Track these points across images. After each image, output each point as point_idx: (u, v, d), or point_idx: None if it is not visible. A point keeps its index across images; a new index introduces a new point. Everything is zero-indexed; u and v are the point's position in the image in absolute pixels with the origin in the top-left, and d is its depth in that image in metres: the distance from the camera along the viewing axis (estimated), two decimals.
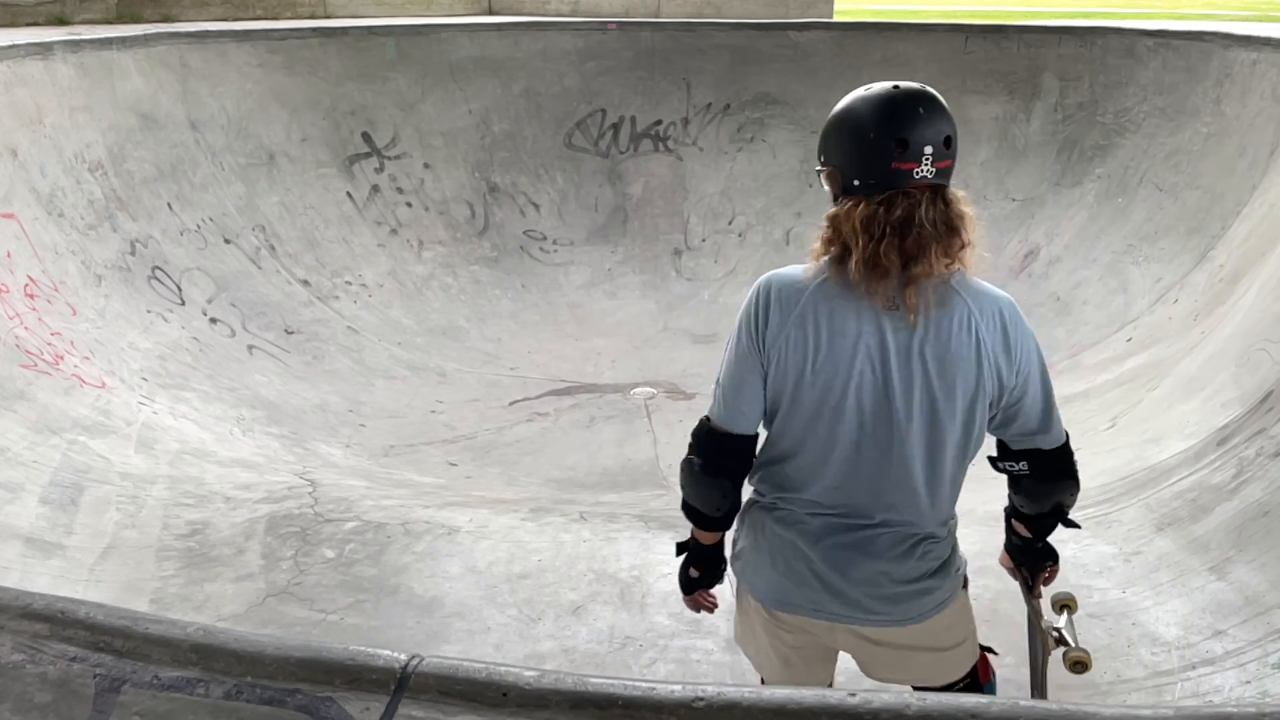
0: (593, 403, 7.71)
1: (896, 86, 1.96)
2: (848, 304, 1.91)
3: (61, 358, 5.59)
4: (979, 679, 2.29)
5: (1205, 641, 3.53)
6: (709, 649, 3.68)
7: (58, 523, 4.29)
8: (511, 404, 7.65)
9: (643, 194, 10.71)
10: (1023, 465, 2.19)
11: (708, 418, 2.12)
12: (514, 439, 6.98)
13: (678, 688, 1.31)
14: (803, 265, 2.08)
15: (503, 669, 1.37)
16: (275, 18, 12.26)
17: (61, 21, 10.67)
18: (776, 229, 10.25)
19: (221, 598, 3.95)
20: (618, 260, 10.29)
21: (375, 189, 9.78)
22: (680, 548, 2.32)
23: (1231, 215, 7.43)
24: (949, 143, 1.92)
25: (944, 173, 1.91)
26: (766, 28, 11.08)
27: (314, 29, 10.24)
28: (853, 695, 1.24)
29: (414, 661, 1.39)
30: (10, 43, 7.22)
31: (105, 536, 4.32)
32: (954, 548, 2.13)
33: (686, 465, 2.16)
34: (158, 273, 7.34)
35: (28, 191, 6.52)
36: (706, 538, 2.26)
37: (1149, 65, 8.99)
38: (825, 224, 2.04)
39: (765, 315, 2.02)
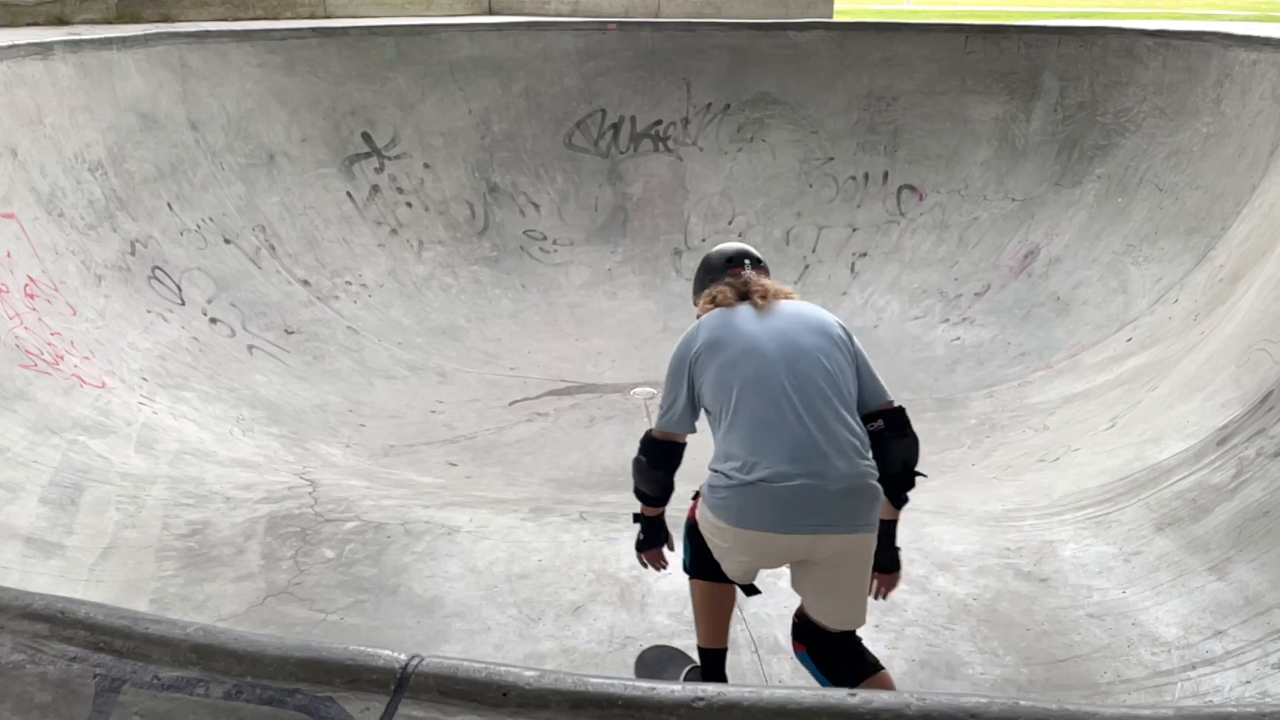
0: (593, 403, 7.71)
1: (728, 248, 3.15)
2: (730, 316, 2.87)
3: (61, 358, 5.59)
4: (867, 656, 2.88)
5: (1205, 641, 3.53)
6: None
7: (58, 523, 4.29)
8: (511, 404, 7.65)
9: (643, 194, 10.71)
10: (880, 422, 2.81)
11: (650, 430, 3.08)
12: (514, 439, 6.98)
13: (678, 688, 1.31)
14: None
15: (503, 669, 1.37)
16: (275, 18, 12.26)
17: (61, 21, 10.67)
18: (776, 229, 10.25)
19: (221, 598, 3.95)
20: (618, 260, 10.29)
21: (375, 189, 9.78)
22: (635, 517, 3.21)
23: (1231, 215, 7.43)
24: (757, 260, 3.08)
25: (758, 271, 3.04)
26: (766, 28, 11.08)
27: (314, 29, 10.24)
28: (852, 695, 1.24)
29: (414, 661, 1.39)
30: (10, 43, 7.22)
31: (105, 536, 4.32)
32: (877, 490, 2.69)
33: (636, 463, 3.14)
34: (158, 273, 7.34)
35: (28, 191, 6.52)
36: (651, 512, 3.19)
37: (1149, 65, 8.99)
38: (704, 302, 3.01)
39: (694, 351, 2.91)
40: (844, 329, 2.84)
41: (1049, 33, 9.97)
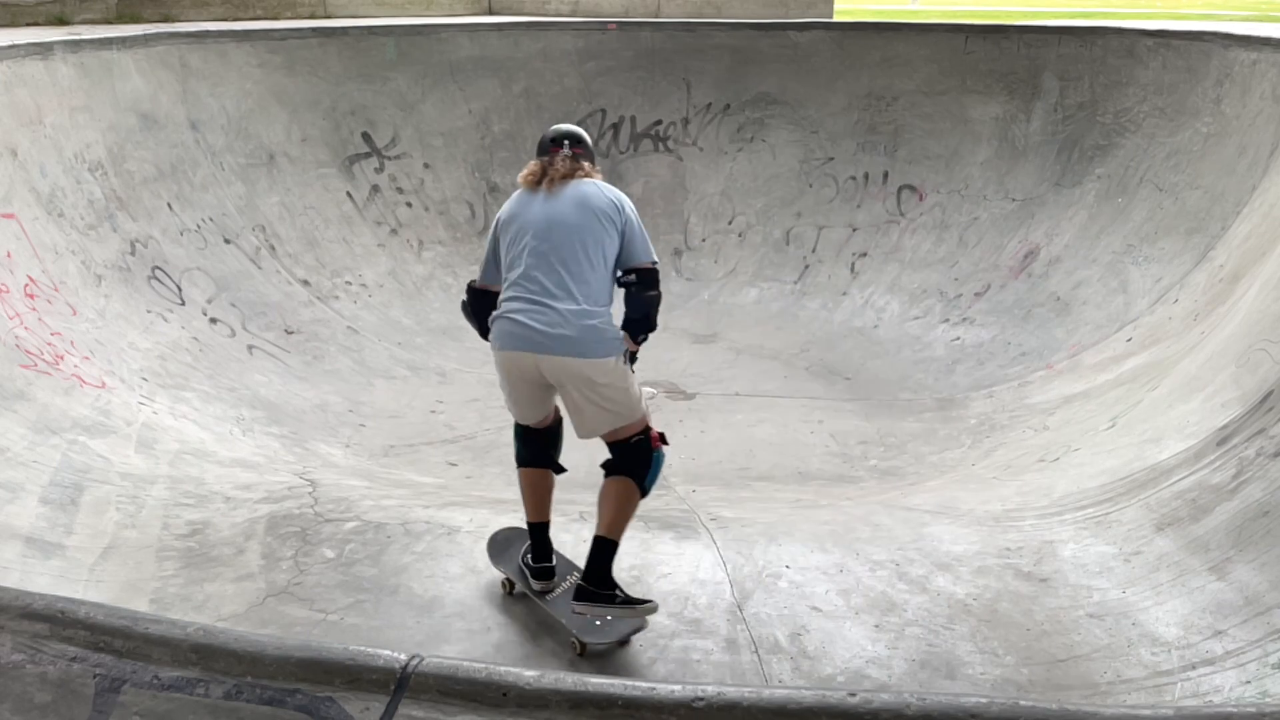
0: None
1: (558, 127, 3.88)
2: (529, 196, 3.69)
3: (61, 358, 5.59)
4: (648, 443, 3.67)
5: (1205, 641, 3.53)
6: (709, 649, 3.68)
7: (58, 523, 4.29)
8: None
9: (643, 194, 10.70)
10: (633, 277, 3.63)
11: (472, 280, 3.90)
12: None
13: (678, 688, 1.31)
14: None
15: (503, 669, 1.37)
16: (275, 18, 12.27)
17: (61, 21, 10.67)
18: (776, 229, 10.25)
19: (221, 598, 3.95)
20: None
21: (375, 189, 9.78)
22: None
23: (1231, 215, 7.43)
24: (577, 140, 3.80)
25: (578, 156, 3.74)
26: (766, 28, 11.08)
27: (314, 29, 10.24)
28: (853, 695, 1.24)
29: (414, 661, 1.39)
30: (10, 43, 7.22)
31: (105, 536, 4.32)
32: (607, 326, 3.50)
33: (463, 305, 3.93)
34: (158, 273, 7.34)
35: (28, 191, 6.52)
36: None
37: (1149, 65, 8.99)
38: (522, 174, 3.75)
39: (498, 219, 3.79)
40: (616, 205, 3.65)
41: (1049, 33, 9.97)
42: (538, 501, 3.89)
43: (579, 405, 3.59)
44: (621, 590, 3.59)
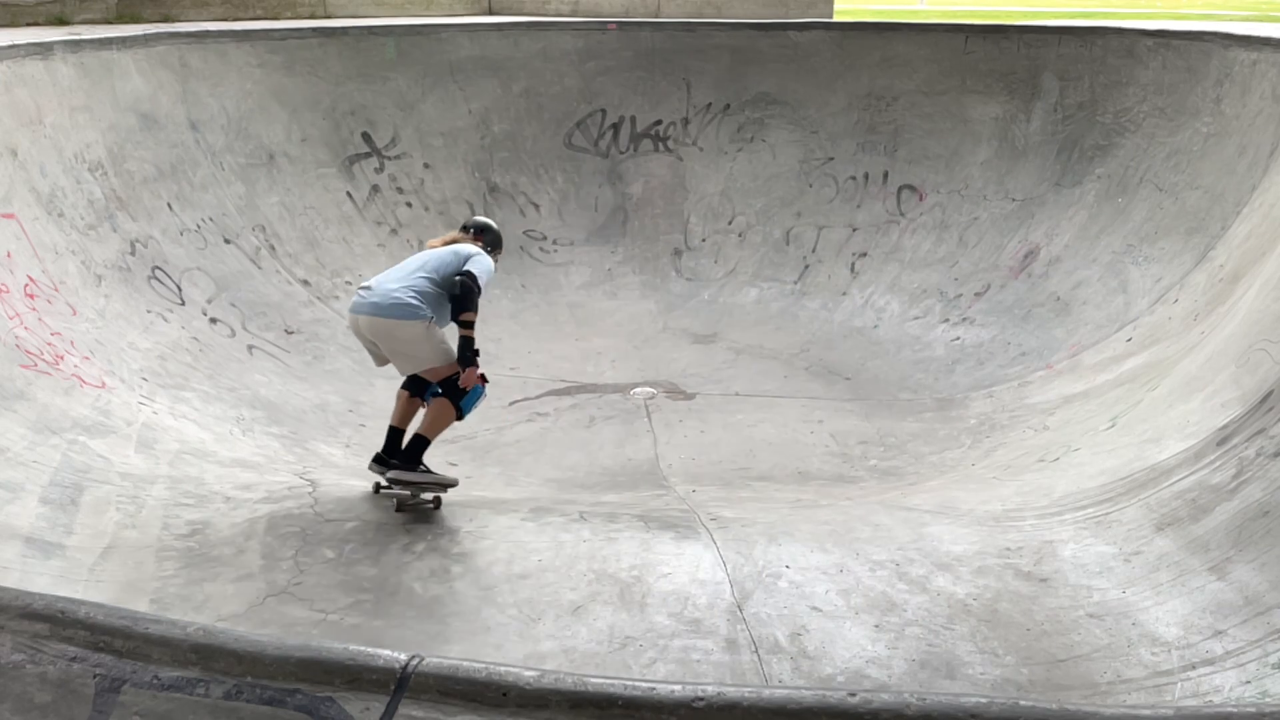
0: (593, 403, 7.71)
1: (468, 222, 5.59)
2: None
3: (61, 358, 5.59)
4: (457, 387, 4.94)
5: (1205, 641, 3.53)
6: (709, 649, 3.68)
7: (58, 523, 4.29)
8: (511, 404, 7.65)
9: (643, 194, 10.71)
10: (458, 279, 4.88)
11: None
12: (514, 439, 6.99)
13: (678, 688, 1.31)
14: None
15: (503, 669, 1.37)
16: (275, 18, 12.27)
17: (61, 21, 10.67)
18: (776, 229, 10.25)
19: (221, 598, 3.95)
20: (618, 260, 10.29)
21: (375, 189, 9.78)
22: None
23: (1231, 215, 7.43)
24: (472, 230, 5.43)
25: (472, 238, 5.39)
26: (766, 28, 11.09)
27: (314, 29, 10.24)
28: (852, 695, 1.24)
29: (414, 661, 1.39)
30: (10, 43, 7.22)
31: (105, 536, 4.32)
32: (417, 308, 4.84)
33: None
34: (158, 273, 7.34)
35: (28, 191, 6.52)
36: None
37: (1149, 65, 8.99)
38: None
39: None
40: (463, 258, 5.00)
41: (1049, 33, 9.97)
42: (399, 412, 5.19)
43: (393, 352, 5.00)
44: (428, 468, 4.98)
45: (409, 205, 9.89)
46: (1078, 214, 8.91)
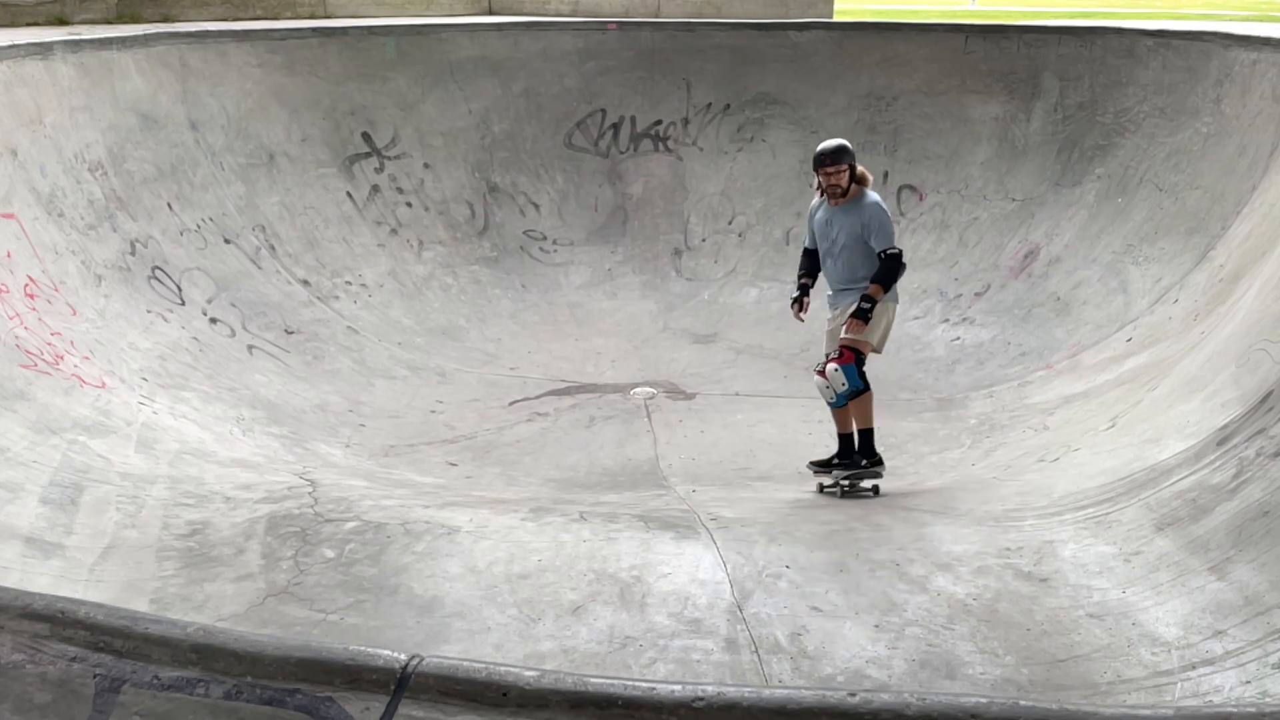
0: (593, 403, 7.71)
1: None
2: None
3: (61, 358, 5.59)
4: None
5: (1205, 641, 3.53)
6: (709, 649, 3.68)
7: (58, 523, 4.29)
8: (511, 404, 7.65)
9: (643, 194, 10.70)
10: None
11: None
12: (514, 439, 6.99)
13: (678, 688, 1.31)
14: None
15: (503, 669, 1.37)
16: (275, 18, 12.27)
17: (61, 21, 10.68)
18: (776, 229, 10.25)
19: (221, 598, 3.95)
20: (618, 260, 10.29)
21: (375, 189, 9.78)
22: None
23: (1231, 215, 7.43)
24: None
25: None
26: (766, 28, 11.09)
27: (314, 29, 10.24)
28: (852, 695, 1.24)
29: (414, 661, 1.39)
30: (10, 43, 7.22)
31: (105, 536, 4.32)
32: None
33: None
34: (158, 273, 7.34)
35: (28, 191, 6.52)
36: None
37: (1149, 65, 8.99)
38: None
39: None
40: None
41: (1049, 33, 9.97)
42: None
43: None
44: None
45: (409, 205, 9.89)
46: (1078, 214, 8.90)
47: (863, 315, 5.41)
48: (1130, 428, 5.50)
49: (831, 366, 5.47)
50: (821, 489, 5.73)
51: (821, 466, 5.81)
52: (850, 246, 5.51)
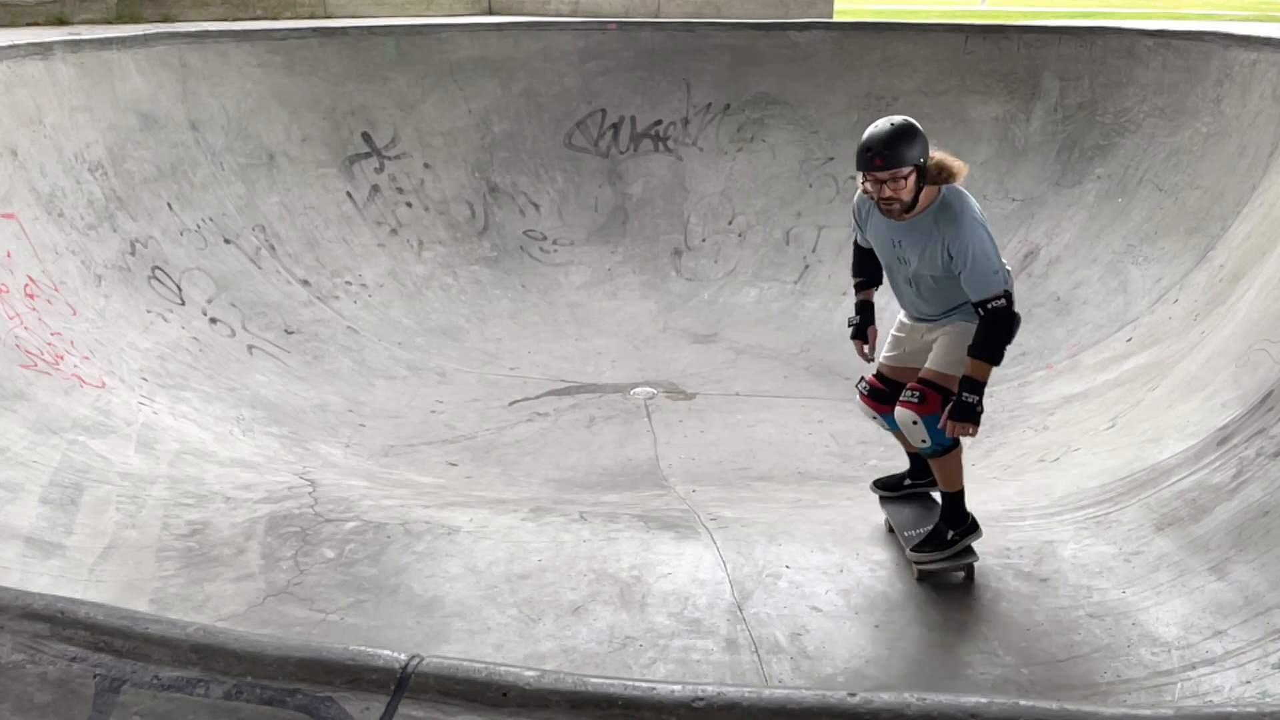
0: (593, 403, 7.71)
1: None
2: None
3: (61, 358, 5.59)
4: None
5: (1205, 641, 3.53)
6: (709, 649, 3.68)
7: (58, 523, 4.29)
8: (511, 404, 7.65)
9: (643, 194, 10.70)
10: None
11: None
12: (514, 439, 6.98)
13: (678, 688, 1.31)
14: None
15: (503, 669, 1.37)
16: (275, 18, 12.27)
17: (61, 21, 10.68)
18: (776, 229, 10.25)
19: (221, 598, 3.95)
20: (618, 260, 10.29)
21: (375, 189, 9.78)
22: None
23: (1231, 215, 7.42)
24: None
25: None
26: (766, 28, 11.08)
27: (314, 29, 10.24)
28: (852, 695, 1.24)
29: (414, 661, 1.39)
30: (10, 43, 7.22)
31: (105, 536, 4.32)
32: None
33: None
34: (158, 273, 7.34)
35: (28, 191, 6.52)
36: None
37: (1149, 65, 8.99)
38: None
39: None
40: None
41: (1049, 33, 9.97)
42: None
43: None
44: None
45: (409, 205, 9.89)
46: (1078, 214, 8.90)
47: (970, 416, 3.75)
48: (1130, 428, 5.50)
49: (909, 417, 3.90)
50: (884, 499, 4.62)
51: (890, 488, 4.60)
52: (934, 277, 3.84)
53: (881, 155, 3.59)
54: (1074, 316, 8.07)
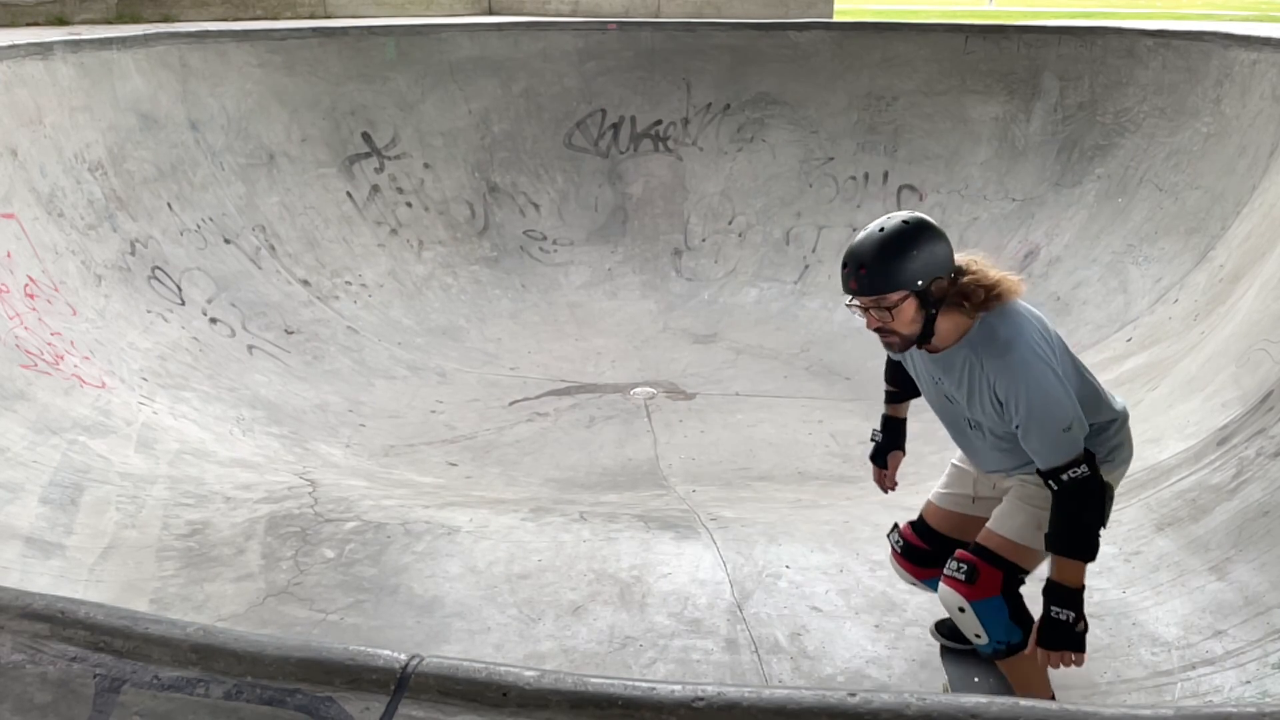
0: (593, 403, 7.71)
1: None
2: None
3: (61, 358, 5.59)
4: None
5: (1205, 641, 3.53)
6: (709, 649, 3.68)
7: (58, 523, 4.29)
8: (511, 404, 7.65)
9: (643, 194, 10.71)
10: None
11: None
12: (514, 439, 6.98)
13: (678, 688, 1.31)
14: None
15: (503, 669, 1.37)
16: (275, 18, 12.27)
17: (61, 21, 10.68)
18: (776, 229, 10.25)
19: (221, 598, 3.95)
20: (618, 260, 10.29)
21: (375, 189, 9.78)
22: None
23: (1231, 215, 7.42)
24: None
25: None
26: (766, 28, 11.08)
27: (314, 29, 10.24)
28: (852, 695, 1.24)
29: (414, 661, 1.39)
30: (10, 43, 7.22)
31: (105, 536, 4.32)
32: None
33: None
34: (158, 273, 7.34)
35: (28, 191, 6.52)
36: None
37: (1149, 65, 8.99)
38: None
39: None
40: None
41: (1049, 33, 9.97)
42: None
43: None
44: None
45: (409, 205, 9.89)
46: (1078, 214, 8.90)
47: (1068, 640, 2.61)
48: (1130, 427, 5.49)
49: (955, 601, 2.82)
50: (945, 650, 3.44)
51: (954, 637, 3.37)
52: (989, 427, 2.81)
53: (857, 277, 2.58)
54: (1074, 316, 8.07)
